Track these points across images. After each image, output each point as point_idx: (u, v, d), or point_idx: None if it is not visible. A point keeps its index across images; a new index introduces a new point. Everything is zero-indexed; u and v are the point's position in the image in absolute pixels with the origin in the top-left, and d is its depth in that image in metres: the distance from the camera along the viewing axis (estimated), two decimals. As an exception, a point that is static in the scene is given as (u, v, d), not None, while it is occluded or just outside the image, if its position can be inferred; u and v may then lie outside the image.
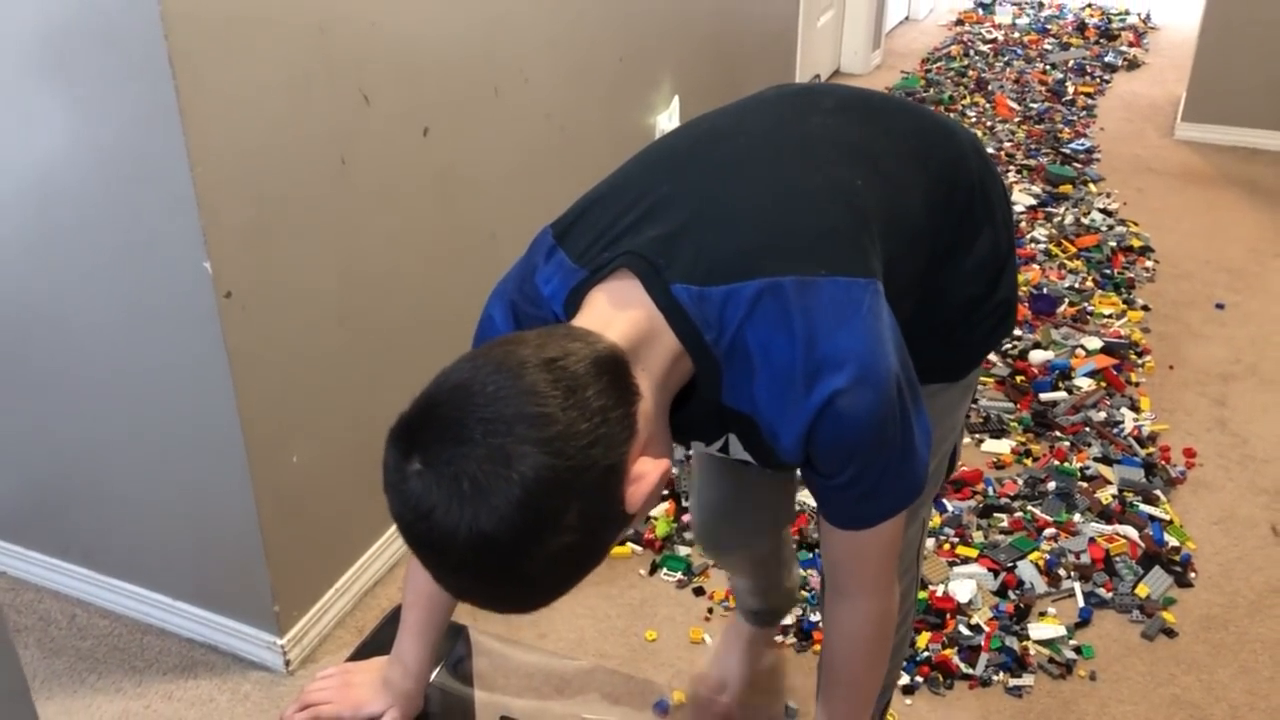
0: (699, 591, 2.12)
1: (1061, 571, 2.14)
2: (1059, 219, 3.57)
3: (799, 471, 1.07)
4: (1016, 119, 4.43)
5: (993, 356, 2.82)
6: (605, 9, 2.63)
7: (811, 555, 2.17)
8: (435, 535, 0.82)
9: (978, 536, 2.23)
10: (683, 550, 2.22)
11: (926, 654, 1.95)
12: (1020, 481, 2.39)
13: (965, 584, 2.08)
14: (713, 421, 1.05)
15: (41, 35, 1.55)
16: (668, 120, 3.04)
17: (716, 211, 1.02)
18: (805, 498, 2.33)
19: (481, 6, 2.12)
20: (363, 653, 1.29)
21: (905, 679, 1.90)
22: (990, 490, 2.37)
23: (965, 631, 2.00)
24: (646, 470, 0.88)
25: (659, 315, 0.96)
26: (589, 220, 1.05)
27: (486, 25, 2.15)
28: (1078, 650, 1.97)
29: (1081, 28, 5.69)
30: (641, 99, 2.94)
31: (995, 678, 1.92)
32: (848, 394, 0.94)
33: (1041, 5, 6.20)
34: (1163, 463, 2.45)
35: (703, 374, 0.98)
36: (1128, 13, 5.98)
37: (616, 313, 0.95)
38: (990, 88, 4.78)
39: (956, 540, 2.21)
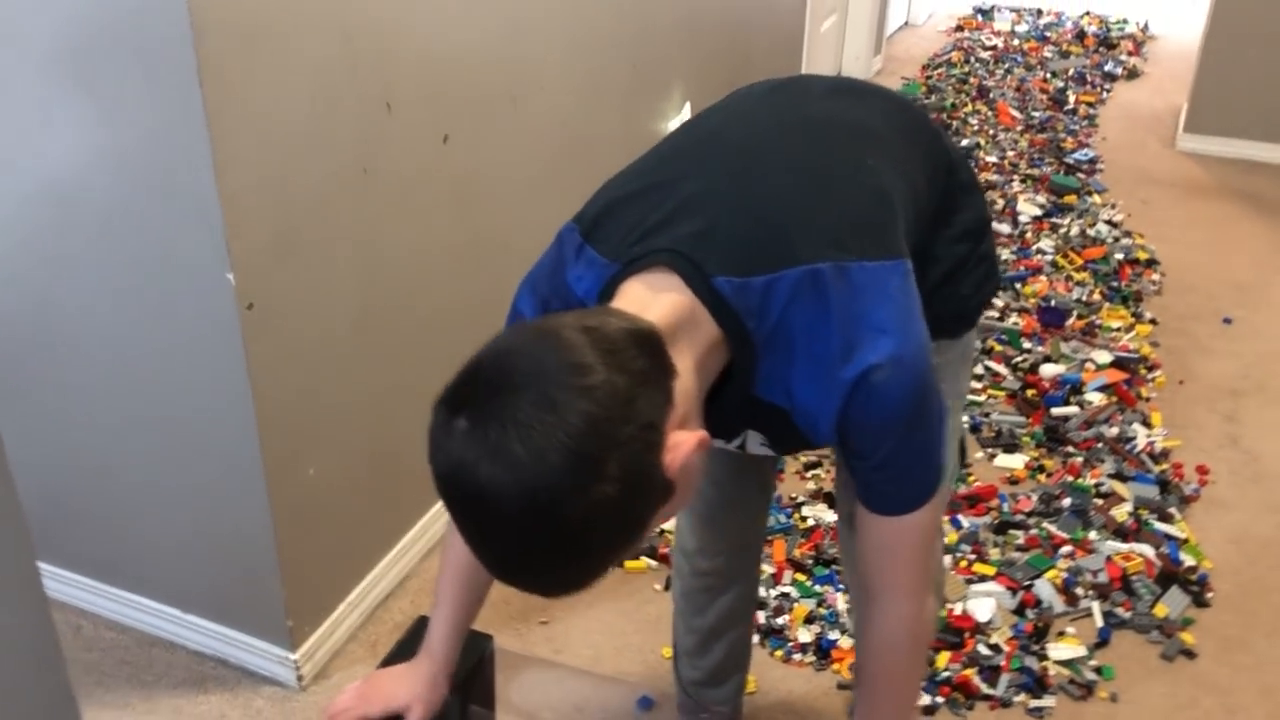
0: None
1: (1079, 590, 2.13)
2: (1065, 230, 3.57)
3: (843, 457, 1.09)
4: (1019, 127, 4.43)
5: (1003, 369, 2.81)
6: (618, 18, 2.60)
7: (828, 571, 2.16)
8: (481, 485, 0.82)
9: (994, 554, 2.22)
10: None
11: (947, 674, 1.93)
12: (1035, 498, 2.37)
13: (984, 602, 2.07)
14: (739, 416, 1.08)
15: (67, 43, 1.51)
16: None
17: (747, 203, 1.05)
18: (823, 514, 2.31)
19: (500, 15, 2.09)
20: (389, 663, 1.33)
21: (926, 699, 1.89)
22: (1005, 506, 2.35)
23: (985, 651, 1.99)
24: (683, 439, 0.89)
25: (700, 305, 0.98)
26: (615, 218, 1.08)
27: (506, 33, 2.12)
28: (1098, 671, 1.96)
29: (1081, 36, 5.70)
30: (653, 105, 2.91)
31: (1016, 699, 1.91)
32: (883, 370, 0.99)
33: (1040, 12, 6.20)
34: (1176, 480, 2.45)
35: (739, 364, 1.01)
36: (1126, 21, 6.00)
37: (654, 297, 0.98)
38: (991, 95, 4.78)
39: (974, 557, 2.20)
